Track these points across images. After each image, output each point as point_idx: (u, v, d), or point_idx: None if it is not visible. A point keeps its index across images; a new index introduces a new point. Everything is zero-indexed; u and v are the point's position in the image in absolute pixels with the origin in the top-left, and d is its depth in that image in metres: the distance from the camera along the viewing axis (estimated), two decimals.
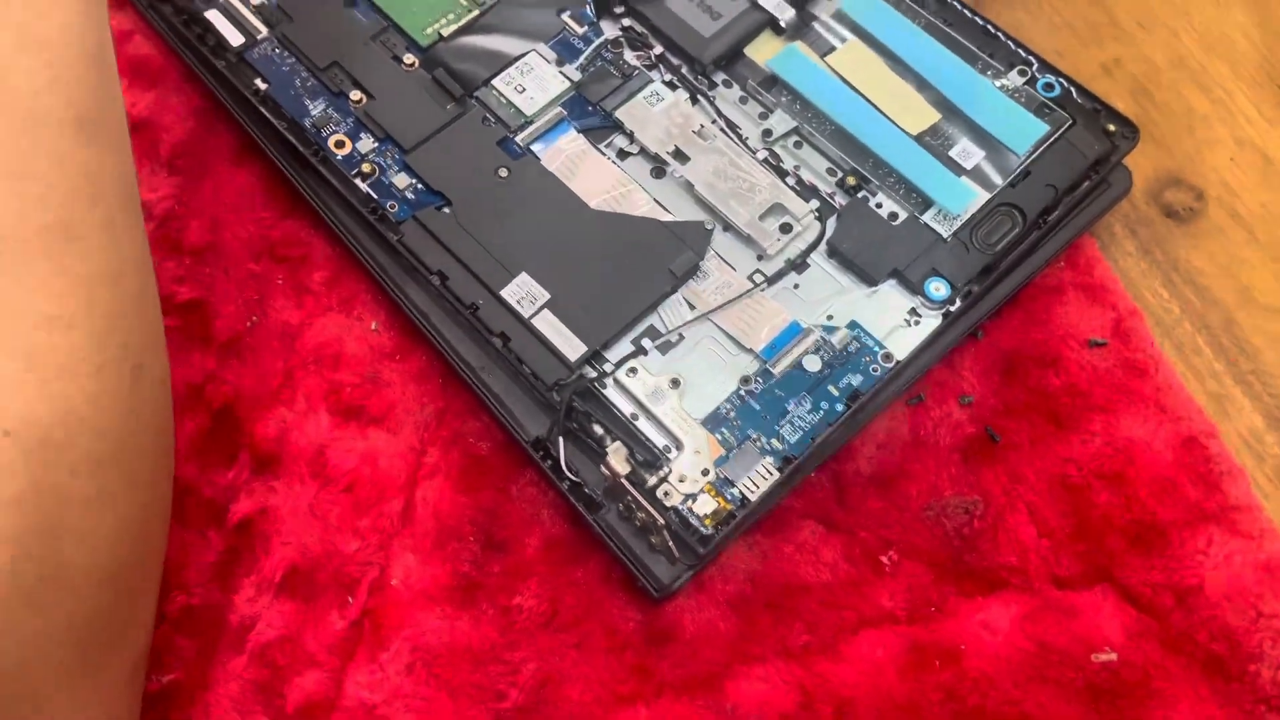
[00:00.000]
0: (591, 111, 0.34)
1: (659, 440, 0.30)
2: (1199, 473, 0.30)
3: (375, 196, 0.33)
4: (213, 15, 0.35)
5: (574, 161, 0.33)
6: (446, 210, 0.33)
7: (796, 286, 0.32)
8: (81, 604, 0.23)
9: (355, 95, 0.34)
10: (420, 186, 0.33)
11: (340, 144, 0.34)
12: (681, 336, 0.31)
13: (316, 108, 0.34)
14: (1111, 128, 0.34)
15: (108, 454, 0.24)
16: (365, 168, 0.33)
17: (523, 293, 0.31)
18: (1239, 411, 0.33)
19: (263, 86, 0.34)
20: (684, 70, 0.35)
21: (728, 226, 0.33)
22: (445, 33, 0.35)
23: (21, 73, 0.23)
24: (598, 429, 0.30)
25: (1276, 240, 0.36)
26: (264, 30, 0.35)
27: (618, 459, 0.29)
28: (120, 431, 0.24)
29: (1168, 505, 0.30)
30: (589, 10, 0.36)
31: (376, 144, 0.34)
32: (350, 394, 0.32)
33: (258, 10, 0.36)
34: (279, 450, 0.31)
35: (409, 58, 0.35)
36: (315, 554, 0.30)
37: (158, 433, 0.26)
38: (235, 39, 0.35)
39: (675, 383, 0.30)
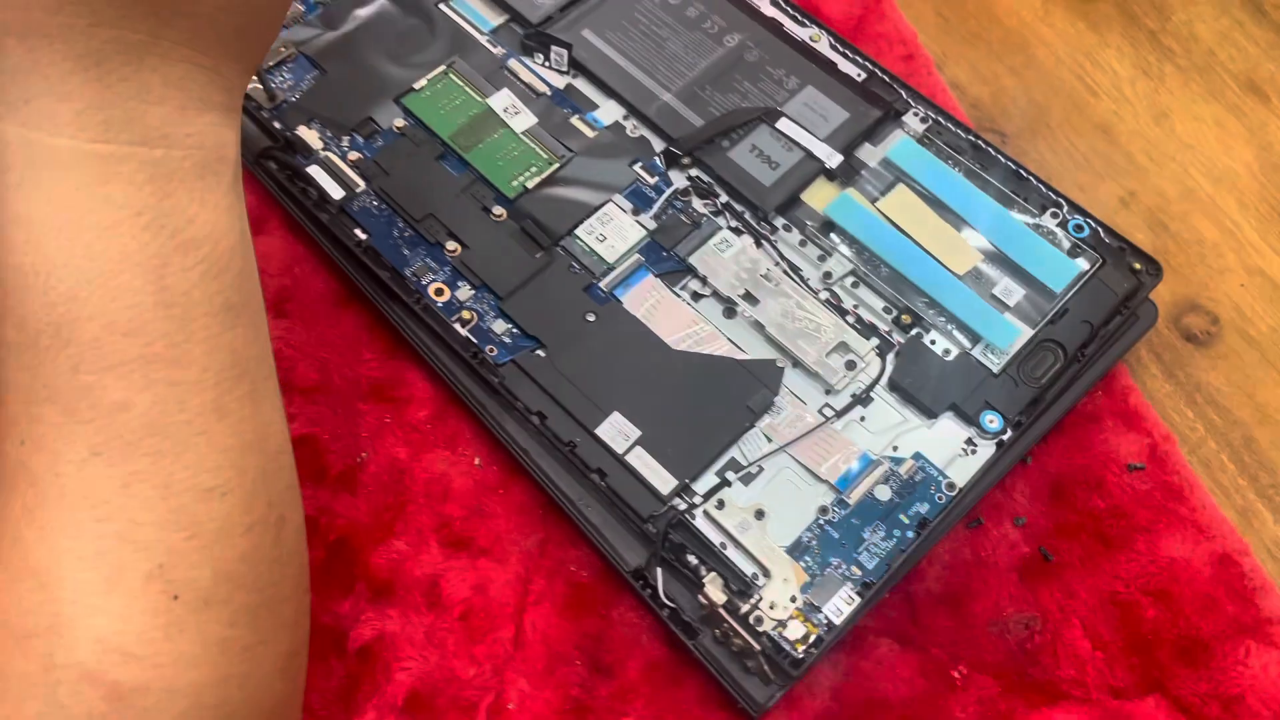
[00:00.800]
0: (667, 257, 0.38)
1: (748, 569, 0.33)
2: (1235, 588, 0.33)
3: (475, 341, 0.36)
4: (314, 170, 0.39)
5: (654, 305, 0.37)
6: (541, 353, 0.36)
7: (863, 419, 0.35)
8: None
9: (451, 245, 0.37)
10: (516, 331, 0.36)
11: (439, 291, 0.37)
12: (761, 468, 0.34)
13: (415, 257, 0.37)
14: (1137, 265, 0.38)
15: (260, 603, 0.26)
16: (464, 314, 0.36)
17: (616, 430, 0.34)
18: (1263, 524, 0.37)
19: (363, 237, 0.37)
20: (747, 216, 0.39)
21: (797, 363, 0.36)
22: (529, 185, 0.39)
23: (177, 272, 0.25)
24: (691, 559, 0.33)
25: None
26: (362, 184, 0.39)
27: (714, 589, 0.32)
28: (268, 580, 0.27)
29: (1209, 620, 0.33)
30: (658, 161, 0.40)
31: (473, 291, 0.37)
32: (459, 526, 0.34)
33: (355, 165, 0.39)
34: (394, 580, 0.34)
35: (497, 209, 0.38)
36: (434, 679, 0.32)
37: (299, 575, 0.29)
38: (336, 193, 0.38)
39: (760, 514, 0.33)
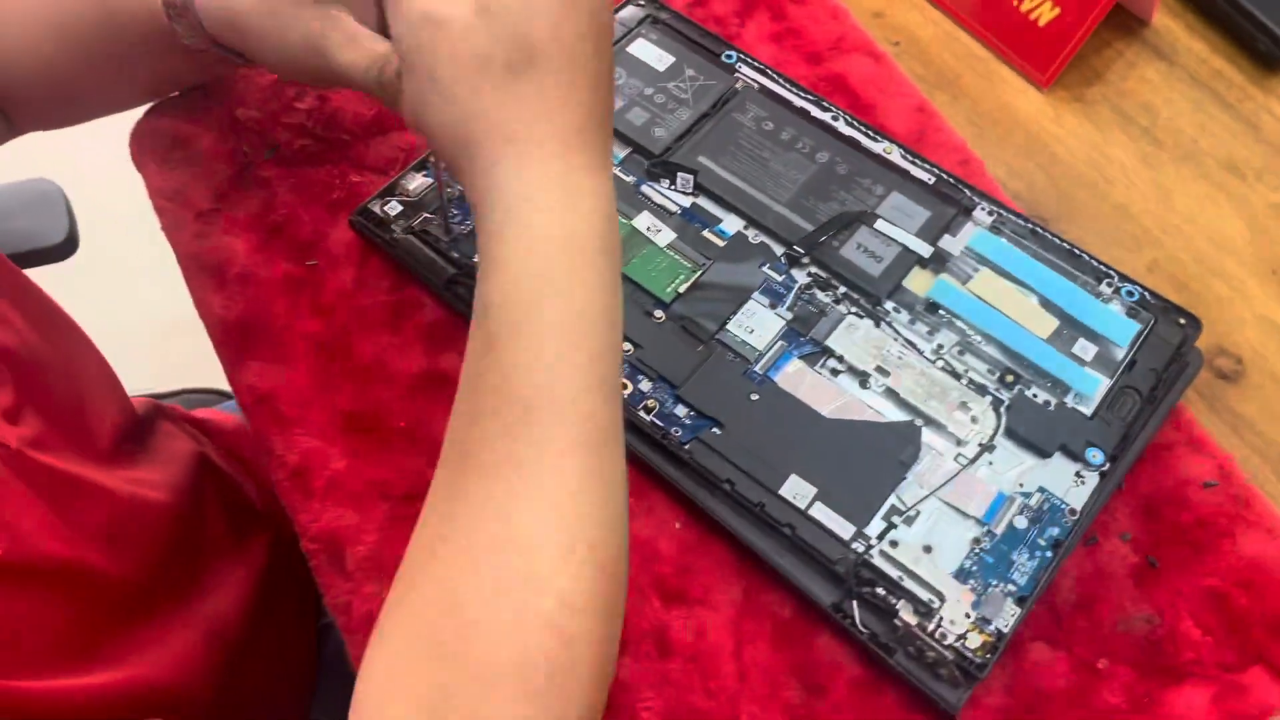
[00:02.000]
0: (805, 341, 0.45)
1: (924, 595, 0.39)
2: None
3: (661, 424, 0.42)
4: None
5: (803, 382, 0.44)
6: (718, 430, 0.42)
7: (991, 464, 0.42)
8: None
9: (626, 346, 0.44)
10: (694, 414, 0.43)
11: (624, 386, 0.43)
12: (919, 511, 0.41)
13: None
14: (1181, 321, 0.46)
15: (622, 583, 0.32)
16: (648, 403, 0.43)
17: (796, 489, 0.41)
18: None
19: None
20: (864, 302, 0.46)
21: (929, 422, 0.43)
22: (681, 290, 0.46)
23: (615, 319, 0.33)
24: (879, 590, 0.39)
25: None
26: None
27: (908, 613, 0.38)
28: (625, 567, 0.33)
29: None
30: (783, 262, 0.47)
31: (652, 384, 0.43)
32: (673, 582, 0.40)
33: None
34: (624, 634, 0.39)
35: (658, 312, 0.45)
36: (676, 715, 0.38)
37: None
38: None
39: (927, 548, 0.40)
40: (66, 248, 0.70)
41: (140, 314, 0.54)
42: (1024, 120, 0.57)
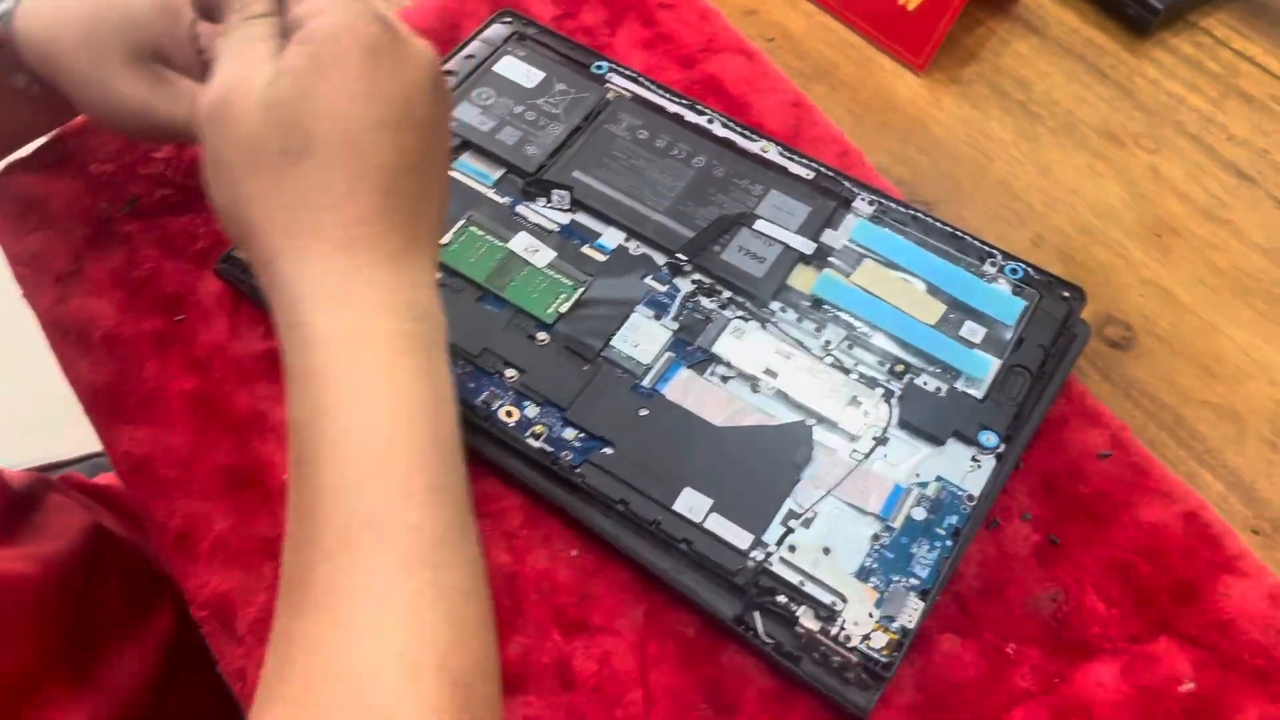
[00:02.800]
0: (693, 350, 0.44)
1: (826, 598, 0.39)
2: (1204, 537, 0.41)
3: (551, 450, 0.41)
4: None
5: (692, 392, 0.43)
6: (609, 450, 0.41)
7: (885, 456, 0.42)
8: None
9: (509, 373, 0.43)
10: (584, 435, 0.42)
11: (509, 414, 0.42)
12: (816, 513, 0.41)
13: (481, 389, 0.43)
14: (1065, 294, 0.46)
15: (492, 691, 0.30)
16: (536, 429, 0.42)
17: (691, 503, 0.40)
18: (1207, 484, 0.45)
19: None
20: (749, 305, 0.46)
21: (821, 420, 0.43)
22: (563, 310, 0.45)
23: (443, 418, 0.31)
24: (780, 598, 0.38)
25: (1190, 352, 0.49)
26: None
27: (808, 619, 0.38)
28: (493, 669, 0.31)
29: (1191, 565, 0.41)
30: (665, 272, 0.46)
31: (539, 408, 0.42)
32: (572, 611, 0.39)
33: None
34: (525, 671, 0.38)
35: (541, 335, 0.44)
36: None
37: (499, 664, 0.33)
38: None
39: (826, 550, 0.40)
40: None
41: (31, 380, 0.52)
42: (902, 105, 0.57)
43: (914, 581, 0.39)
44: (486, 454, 0.42)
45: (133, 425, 0.44)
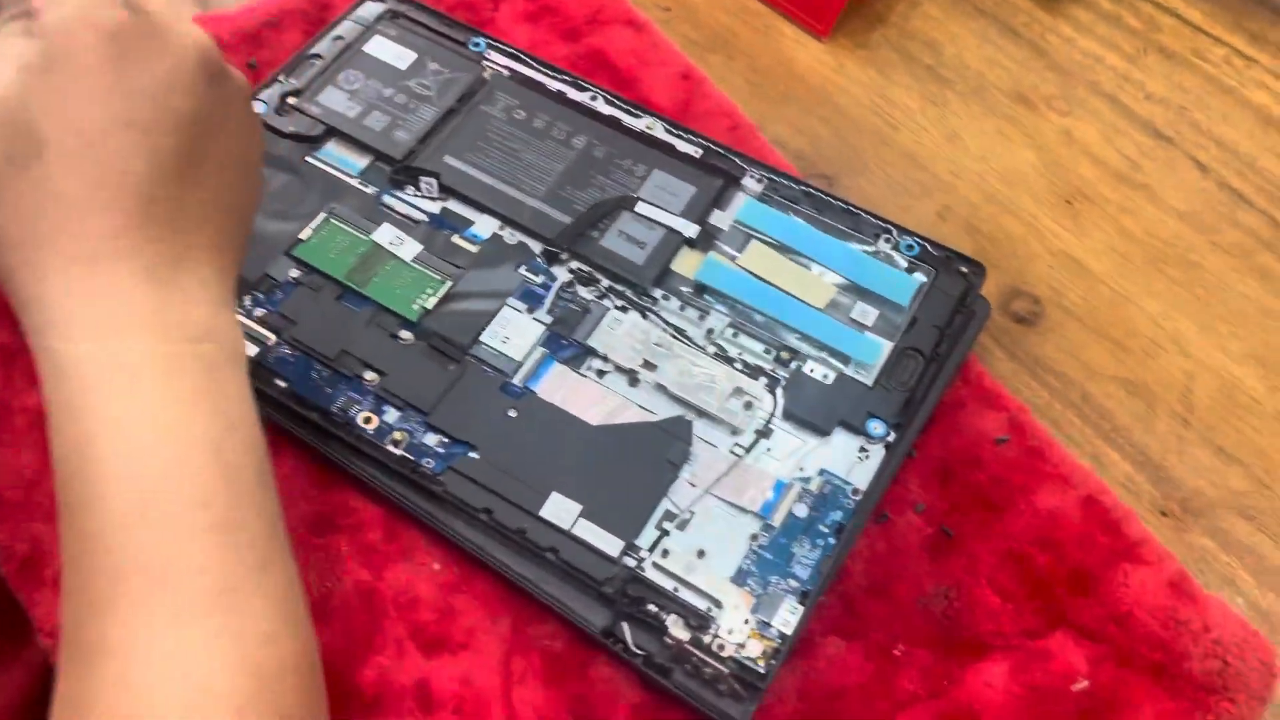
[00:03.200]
0: (567, 344, 0.42)
1: (701, 604, 0.36)
2: (1103, 522, 0.39)
3: (411, 458, 0.39)
4: None
5: (565, 389, 0.41)
6: (474, 455, 0.39)
7: (769, 450, 0.40)
8: None
9: (369, 375, 0.40)
10: (447, 440, 0.39)
11: (368, 420, 0.40)
12: (693, 513, 0.38)
13: (339, 393, 0.40)
14: (964, 269, 0.44)
15: None
16: (396, 435, 0.39)
17: (558, 509, 0.38)
18: (1114, 463, 0.43)
19: (284, 385, 0.40)
20: (629, 294, 0.43)
21: (701, 414, 0.40)
22: (429, 306, 0.42)
23: (231, 448, 0.28)
24: (651, 607, 0.36)
25: (1099, 325, 0.46)
26: (273, 337, 0.41)
27: (677, 628, 0.35)
28: (310, 713, 0.29)
29: (1089, 553, 0.39)
30: (540, 261, 0.44)
31: (400, 413, 0.40)
32: (433, 629, 0.37)
33: (263, 321, 0.41)
34: (382, 693, 0.36)
35: (404, 333, 0.42)
36: None
37: (323, 707, 0.30)
38: (250, 350, 0.41)
39: (701, 553, 0.37)
40: None
41: None
42: (804, 74, 0.54)
43: (793, 583, 0.37)
44: (343, 463, 0.39)
45: None
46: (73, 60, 0.26)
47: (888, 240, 0.45)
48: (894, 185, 0.50)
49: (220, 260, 0.30)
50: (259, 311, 0.42)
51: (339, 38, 0.50)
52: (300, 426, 0.40)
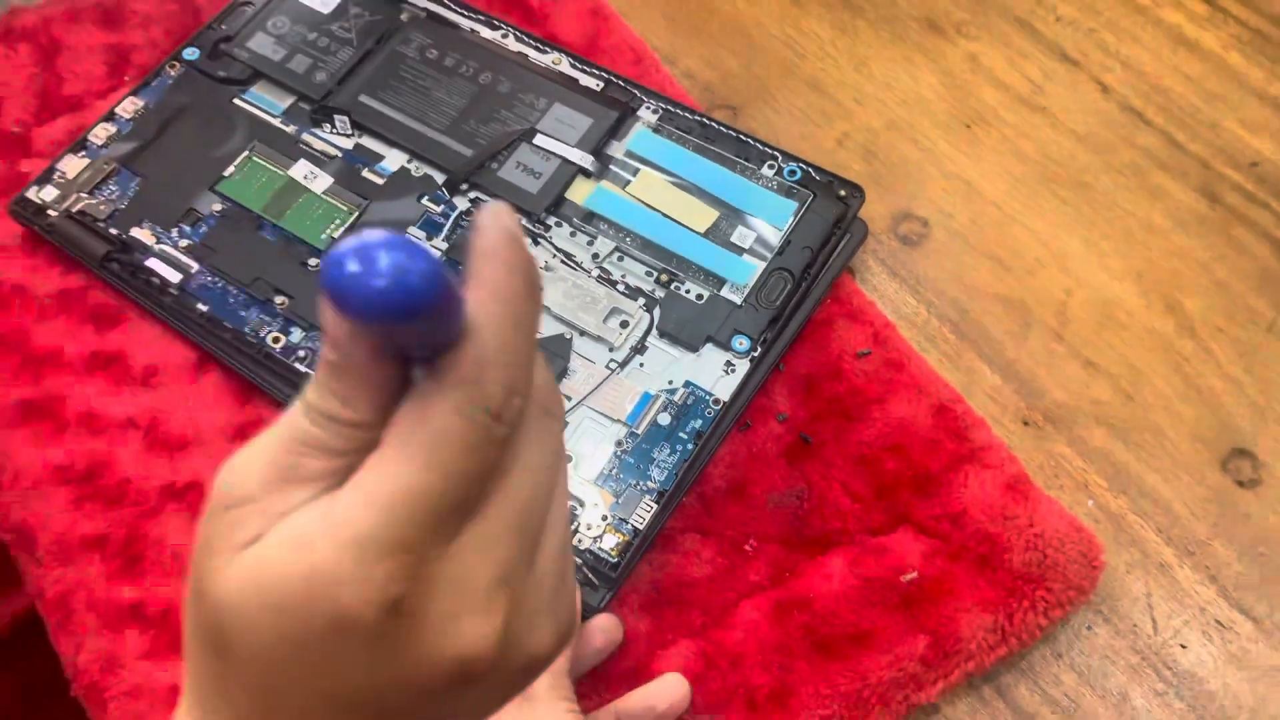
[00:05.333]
0: (462, 269, 0.45)
1: None
2: (952, 430, 0.42)
3: (312, 372, 0.43)
4: (152, 263, 0.45)
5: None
6: None
7: (642, 365, 0.43)
8: None
9: (279, 300, 0.44)
10: None
11: (276, 339, 0.44)
12: (566, 422, 0.42)
13: (251, 316, 0.44)
14: (843, 193, 0.46)
15: None
16: (301, 354, 0.43)
17: None
18: (983, 376, 0.45)
19: (204, 309, 0.44)
20: (523, 222, 0.46)
21: (583, 333, 0.44)
22: (336, 235, 0.46)
23: None
24: None
25: (985, 245, 0.48)
26: (196, 265, 0.45)
27: None
28: None
29: (935, 458, 0.41)
30: (442, 192, 0.47)
31: (304, 334, 0.44)
32: None
33: (187, 251, 0.46)
34: None
35: (313, 261, 0.45)
36: None
37: None
38: (174, 277, 0.45)
39: (569, 459, 0.41)
40: None
41: None
42: (719, 5, 0.56)
43: (650, 485, 0.40)
44: (256, 379, 0.43)
45: None
46: (290, 624, 0.20)
47: (771, 166, 0.47)
48: (797, 114, 0.52)
49: None
50: (184, 242, 0.46)
51: None
52: (219, 346, 0.44)
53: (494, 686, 0.22)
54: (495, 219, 0.20)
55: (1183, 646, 0.40)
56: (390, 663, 0.20)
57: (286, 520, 0.20)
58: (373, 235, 0.17)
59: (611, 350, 0.43)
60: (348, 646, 0.20)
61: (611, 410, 0.42)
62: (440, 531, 0.20)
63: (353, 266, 0.16)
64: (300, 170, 0.47)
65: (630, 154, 0.47)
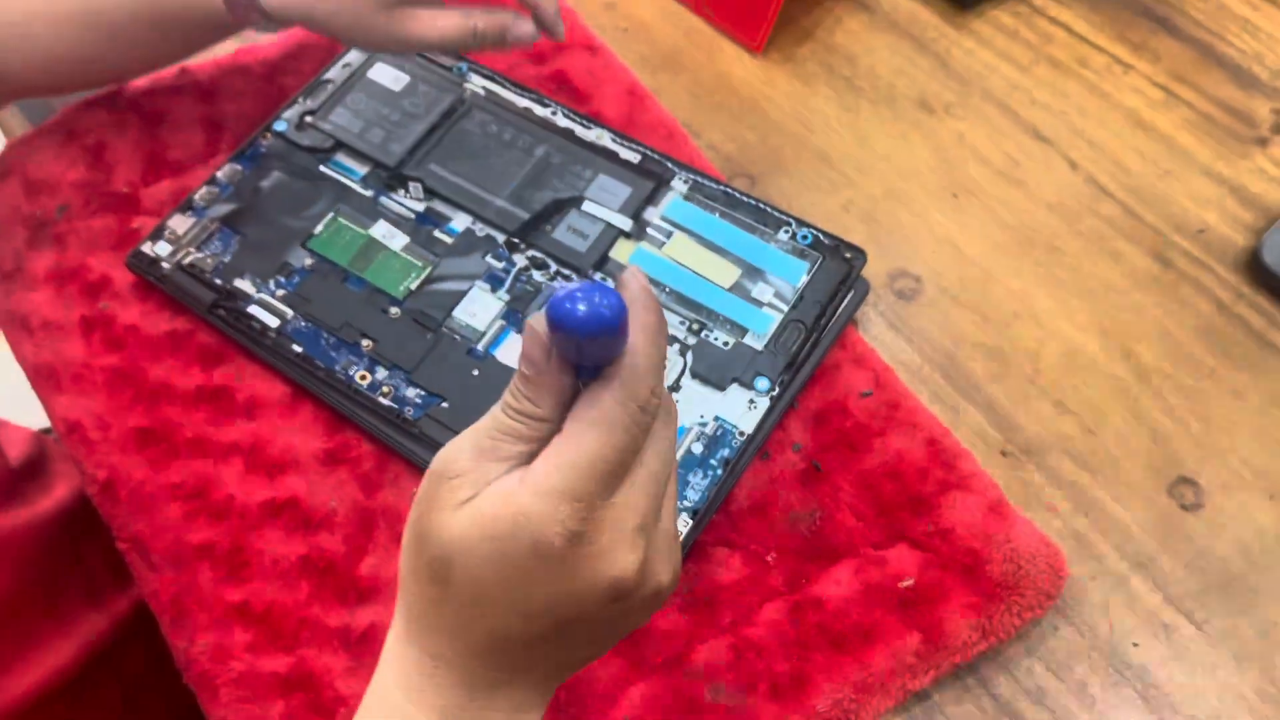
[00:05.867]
0: (522, 318, 0.52)
1: None
2: (941, 460, 0.49)
3: (396, 407, 0.50)
4: (253, 309, 0.53)
5: (519, 354, 0.51)
6: (445, 405, 0.50)
7: (678, 402, 0.50)
8: None
9: (365, 342, 0.52)
10: (424, 393, 0.50)
11: (363, 377, 0.51)
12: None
13: (341, 356, 0.51)
14: (848, 255, 0.54)
15: None
16: (384, 389, 0.50)
17: None
18: (968, 413, 0.53)
19: (299, 350, 0.51)
20: (574, 277, 0.54)
21: None
22: (413, 287, 0.53)
23: None
24: None
25: (969, 300, 0.56)
26: (291, 312, 0.53)
27: None
28: None
29: (927, 484, 0.49)
30: (504, 250, 0.54)
31: (388, 372, 0.51)
32: None
33: (283, 299, 0.53)
34: (375, 585, 0.47)
35: (393, 309, 0.53)
36: None
37: None
38: (273, 322, 0.52)
39: None
40: None
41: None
42: (738, 86, 0.63)
43: (687, 503, 0.48)
44: (345, 411, 0.50)
45: (67, 395, 0.53)
46: (503, 553, 0.29)
47: (787, 231, 0.55)
48: (808, 182, 0.60)
49: (545, 689, 0.33)
50: (280, 292, 0.53)
51: (347, 65, 0.61)
52: (312, 382, 0.51)
53: (631, 608, 0.31)
54: (635, 277, 0.30)
55: (1135, 645, 0.47)
56: (568, 580, 0.29)
57: (492, 485, 0.29)
58: (585, 284, 0.27)
59: None
60: (540, 566, 0.29)
61: None
62: (605, 488, 0.29)
63: (575, 303, 0.26)
64: (379, 230, 0.55)
65: (665, 219, 0.55)
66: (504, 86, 0.60)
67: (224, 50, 0.61)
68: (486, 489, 0.29)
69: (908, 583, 0.46)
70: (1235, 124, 0.61)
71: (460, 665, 0.31)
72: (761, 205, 0.55)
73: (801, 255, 0.54)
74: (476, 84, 0.60)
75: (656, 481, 0.30)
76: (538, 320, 0.29)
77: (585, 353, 0.28)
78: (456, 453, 0.30)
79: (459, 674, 0.31)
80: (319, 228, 0.55)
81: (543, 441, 0.30)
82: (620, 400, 0.28)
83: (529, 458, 0.30)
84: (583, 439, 0.28)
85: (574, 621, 0.30)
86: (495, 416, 0.30)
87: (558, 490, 0.28)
